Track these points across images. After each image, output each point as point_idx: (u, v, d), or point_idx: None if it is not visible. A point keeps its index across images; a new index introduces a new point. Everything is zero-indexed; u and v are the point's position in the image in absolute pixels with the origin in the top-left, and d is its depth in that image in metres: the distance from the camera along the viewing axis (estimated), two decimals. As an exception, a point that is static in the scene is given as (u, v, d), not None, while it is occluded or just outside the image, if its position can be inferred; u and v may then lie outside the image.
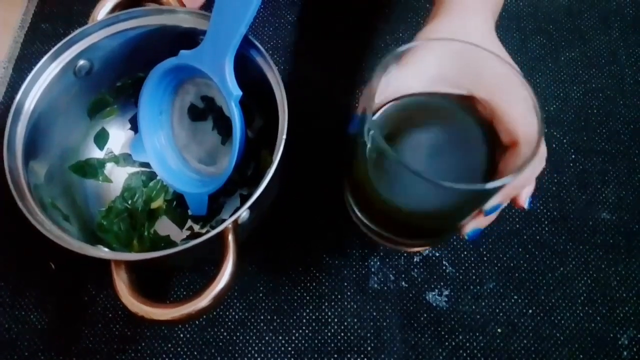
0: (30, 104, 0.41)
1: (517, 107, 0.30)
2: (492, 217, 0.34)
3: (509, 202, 0.35)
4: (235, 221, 0.36)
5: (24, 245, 0.47)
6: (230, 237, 0.36)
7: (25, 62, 0.55)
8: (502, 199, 0.33)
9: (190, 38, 0.44)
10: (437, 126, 0.34)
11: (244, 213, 0.37)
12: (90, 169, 0.49)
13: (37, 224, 0.36)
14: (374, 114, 0.33)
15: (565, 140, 0.51)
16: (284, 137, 0.39)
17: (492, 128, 0.33)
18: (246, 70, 0.42)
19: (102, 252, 0.37)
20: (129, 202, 0.49)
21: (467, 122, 0.34)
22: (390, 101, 0.33)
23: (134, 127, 0.51)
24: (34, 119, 0.41)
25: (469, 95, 0.33)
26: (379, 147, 0.27)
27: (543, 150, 0.33)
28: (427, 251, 0.47)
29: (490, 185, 0.27)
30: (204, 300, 0.35)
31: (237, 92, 0.42)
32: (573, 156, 0.50)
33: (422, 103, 0.34)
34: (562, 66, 0.54)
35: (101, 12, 0.44)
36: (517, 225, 0.48)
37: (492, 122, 0.33)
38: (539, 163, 0.34)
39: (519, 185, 0.34)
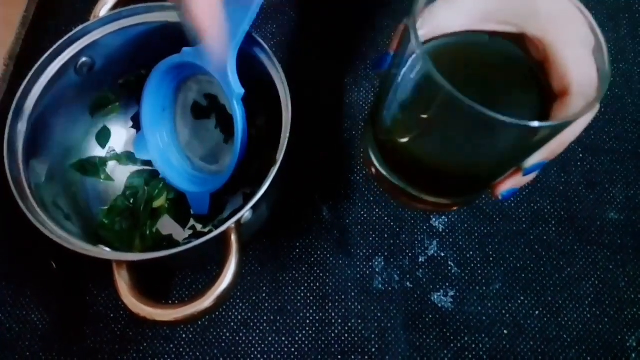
0: (31, 102, 0.40)
1: (573, 49, 0.27)
2: (530, 177, 0.31)
3: (550, 160, 0.30)
4: (238, 221, 0.36)
5: (26, 244, 0.46)
6: (234, 237, 0.36)
7: (26, 59, 0.54)
8: (546, 155, 0.29)
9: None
10: (482, 70, 0.30)
11: (247, 213, 0.36)
12: (92, 167, 0.48)
13: (38, 224, 0.36)
14: (407, 53, 0.28)
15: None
16: (288, 135, 0.38)
17: (544, 73, 0.29)
18: (249, 68, 0.41)
19: (104, 252, 0.36)
20: (131, 200, 0.48)
21: (515, 67, 0.30)
22: (428, 41, 0.29)
23: (136, 125, 0.50)
24: (35, 117, 0.41)
25: (519, 33, 0.30)
26: (426, 74, 0.24)
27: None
28: (432, 251, 0.46)
29: (538, 124, 0.23)
30: (206, 301, 0.34)
31: (240, 90, 0.41)
32: (581, 155, 0.50)
33: (464, 43, 0.30)
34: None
35: (103, 9, 0.43)
36: (524, 225, 0.47)
37: (544, 65, 0.29)
38: (590, 116, 0.29)
39: (564, 140, 0.29)
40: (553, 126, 0.25)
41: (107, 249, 0.38)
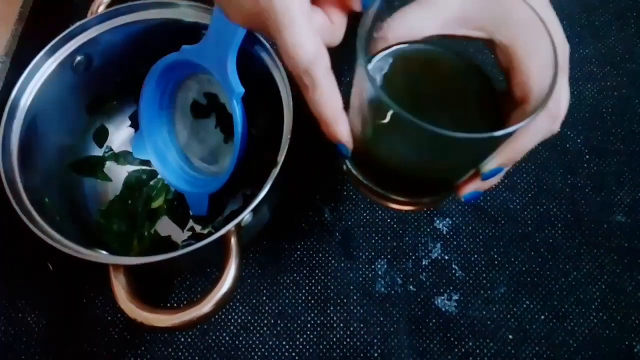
0: (26, 101, 0.40)
1: (535, 59, 0.28)
2: (492, 181, 0.32)
3: (510, 166, 0.31)
4: (238, 224, 0.35)
5: (22, 245, 0.45)
6: (233, 241, 0.35)
7: (23, 56, 0.53)
8: (501, 161, 0.30)
9: (192, 32, 0.42)
10: (444, 77, 0.32)
11: (247, 215, 0.35)
12: (89, 167, 0.47)
13: (33, 227, 0.35)
14: (375, 55, 0.30)
15: (579, 140, 0.49)
16: (289, 136, 0.37)
17: (509, 80, 0.30)
18: (250, 67, 0.40)
19: (100, 255, 0.35)
20: (129, 201, 0.47)
21: (478, 74, 0.31)
22: (399, 44, 0.31)
23: (134, 124, 0.49)
24: (30, 116, 0.40)
25: (488, 39, 0.30)
26: (370, 90, 0.25)
27: (557, 110, 0.30)
28: (436, 254, 0.45)
29: (470, 136, 0.24)
30: (205, 306, 0.33)
31: (239, 89, 0.40)
32: (587, 157, 0.49)
33: (430, 50, 0.31)
34: (576, 64, 0.52)
35: (101, 6, 0.42)
36: (530, 228, 0.46)
37: (508, 72, 0.30)
38: (548, 122, 0.30)
39: (519, 148, 0.30)
40: (475, 138, 0.25)
41: (104, 252, 0.38)
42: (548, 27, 0.27)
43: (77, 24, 0.41)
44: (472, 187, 0.31)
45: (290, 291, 0.45)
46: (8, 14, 0.54)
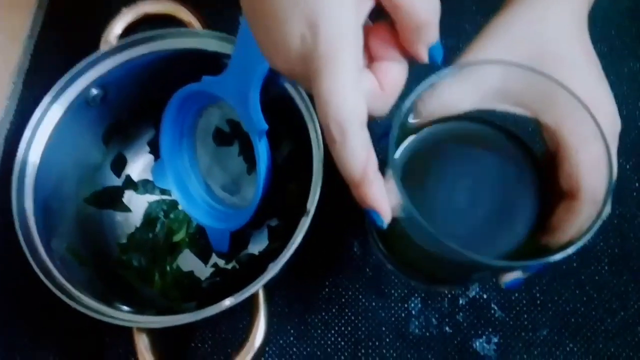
0: (41, 138, 0.38)
1: (586, 151, 0.25)
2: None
3: None
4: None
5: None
6: (261, 299, 0.33)
7: (36, 75, 0.51)
8: None
9: (213, 60, 0.39)
10: (480, 160, 0.29)
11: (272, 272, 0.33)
12: (108, 198, 0.45)
13: (56, 290, 0.34)
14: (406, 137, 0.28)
15: (628, 166, 0.46)
16: (320, 183, 0.35)
17: (553, 166, 0.27)
18: (272, 93, 0.38)
19: (122, 316, 0.34)
20: (150, 234, 0.45)
21: (518, 157, 0.29)
22: (434, 122, 0.28)
23: (153, 150, 0.47)
24: (46, 153, 0.38)
25: (533, 118, 0.28)
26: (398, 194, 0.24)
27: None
28: (473, 292, 0.43)
29: (509, 264, 0.25)
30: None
31: (262, 126, 0.37)
32: (637, 184, 0.45)
33: (466, 129, 0.29)
34: (625, 79, 0.48)
35: (112, 33, 0.40)
36: (574, 265, 0.43)
37: (555, 158, 0.27)
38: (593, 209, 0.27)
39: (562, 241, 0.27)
40: (527, 265, 0.25)
41: (126, 308, 0.36)
42: (597, 114, 0.24)
43: (89, 58, 0.38)
44: (514, 275, 0.29)
45: (319, 331, 0.43)
46: (18, 33, 0.52)
